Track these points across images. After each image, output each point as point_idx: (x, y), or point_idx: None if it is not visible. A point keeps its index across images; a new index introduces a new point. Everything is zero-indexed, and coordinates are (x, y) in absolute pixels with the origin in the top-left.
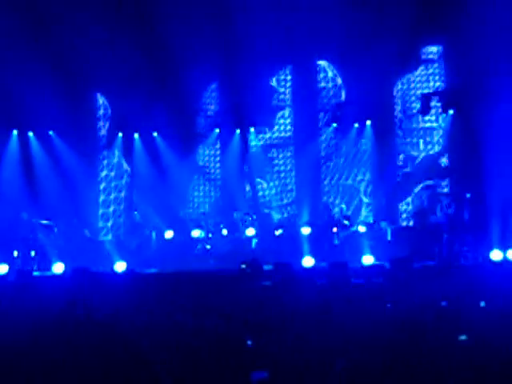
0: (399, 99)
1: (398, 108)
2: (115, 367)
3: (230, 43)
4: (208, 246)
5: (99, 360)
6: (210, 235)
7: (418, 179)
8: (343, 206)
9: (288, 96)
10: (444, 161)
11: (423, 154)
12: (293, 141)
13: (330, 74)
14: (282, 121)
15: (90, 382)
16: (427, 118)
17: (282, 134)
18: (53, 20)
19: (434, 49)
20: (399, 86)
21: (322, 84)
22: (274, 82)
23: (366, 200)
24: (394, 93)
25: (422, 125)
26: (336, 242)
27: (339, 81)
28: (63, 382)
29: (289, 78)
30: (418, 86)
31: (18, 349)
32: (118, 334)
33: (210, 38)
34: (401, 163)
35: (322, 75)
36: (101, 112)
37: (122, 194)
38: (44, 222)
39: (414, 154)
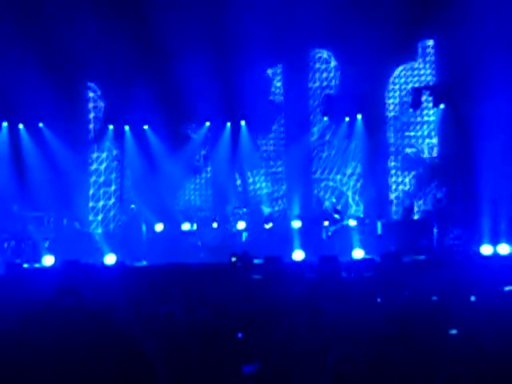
0: (391, 93)
1: (390, 102)
2: (106, 357)
3: (223, 35)
4: (199, 243)
5: (90, 350)
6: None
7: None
8: (334, 199)
9: (280, 90)
10: (435, 155)
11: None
12: (284, 135)
13: (325, 56)
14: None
15: (80, 373)
16: (418, 112)
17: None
18: (43, 10)
19: (426, 43)
20: (391, 80)
21: (317, 75)
22: (267, 76)
23: (356, 196)
24: (386, 87)
25: (412, 119)
26: (326, 235)
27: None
28: (53, 372)
29: (278, 71)
30: (410, 80)
31: (5, 339)
32: (110, 324)
33: (202, 29)
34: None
35: (316, 65)
36: (91, 105)
37: (112, 189)
38: (34, 214)
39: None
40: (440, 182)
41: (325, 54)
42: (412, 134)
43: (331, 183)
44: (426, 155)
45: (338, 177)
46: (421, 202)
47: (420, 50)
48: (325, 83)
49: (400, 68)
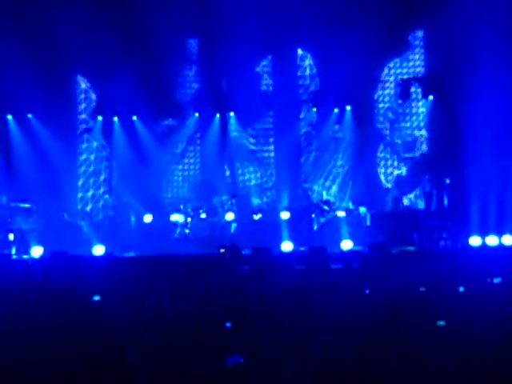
0: (380, 84)
1: (379, 93)
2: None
3: (212, 27)
4: (187, 231)
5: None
6: (189, 220)
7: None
8: (322, 190)
9: (269, 82)
10: (424, 147)
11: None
12: (273, 126)
13: (308, 62)
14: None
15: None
16: (407, 103)
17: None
18: (31, 1)
19: (415, 34)
20: (380, 72)
21: (300, 73)
22: (256, 68)
23: (345, 187)
24: (375, 78)
25: (401, 110)
26: (315, 226)
27: (314, 70)
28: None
29: (265, 63)
30: (399, 71)
31: None
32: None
33: (191, 22)
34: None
35: (301, 62)
36: (82, 96)
37: (101, 178)
38: (23, 205)
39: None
40: (429, 173)
41: (300, 51)
42: (401, 125)
43: (320, 174)
44: (414, 147)
45: (328, 168)
46: (411, 195)
47: (409, 41)
48: (310, 77)
49: (390, 60)
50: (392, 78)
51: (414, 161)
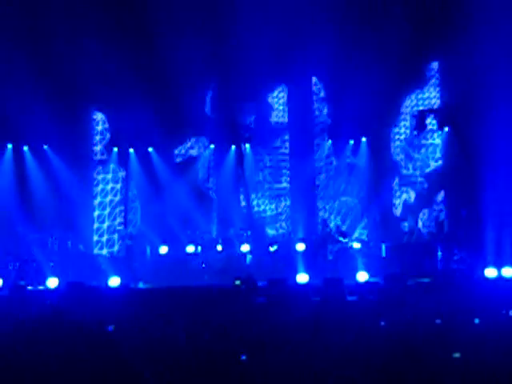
0: (395, 116)
1: (394, 125)
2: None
3: (226, 60)
4: (203, 265)
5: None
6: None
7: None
8: (338, 222)
9: (284, 113)
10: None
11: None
12: (288, 156)
13: (323, 93)
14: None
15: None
16: (423, 135)
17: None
18: (49, 34)
19: (430, 66)
20: (396, 103)
21: (316, 105)
22: (270, 99)
23: (360, 219)
24: (390, 110)
25: (417, 142)
26: (330, 258)
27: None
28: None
29: (281, 95)
30: (414, 103)
31: None
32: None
33: (206, 54)
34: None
35: (316, 93)
36: (99, 128)
37: (117, 210)
38: (38, 236)
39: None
40: (444, 204)
41: (315, 82)
42: (416, 156)
43: (335, 206)
44: (429, 177)
45: (343, 199)
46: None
47: (425, 72)
48: (325, 111)
49: (405, 91)
50: (408, 110)
51: (428, 192)
